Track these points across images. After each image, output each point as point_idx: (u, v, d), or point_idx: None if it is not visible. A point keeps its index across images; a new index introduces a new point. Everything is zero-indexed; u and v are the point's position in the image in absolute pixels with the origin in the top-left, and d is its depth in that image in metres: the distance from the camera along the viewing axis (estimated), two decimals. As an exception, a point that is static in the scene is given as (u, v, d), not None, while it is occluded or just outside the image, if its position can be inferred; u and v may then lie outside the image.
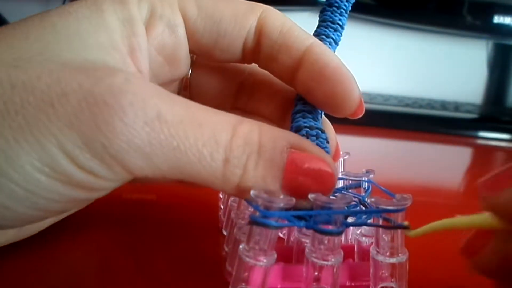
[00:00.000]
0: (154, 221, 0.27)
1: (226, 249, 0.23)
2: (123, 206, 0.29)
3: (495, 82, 0.70)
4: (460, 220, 0.17)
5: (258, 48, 0.23)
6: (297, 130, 0.21)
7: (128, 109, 0.16)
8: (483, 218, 0.17)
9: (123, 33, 0.20)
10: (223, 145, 0.17)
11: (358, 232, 0.22)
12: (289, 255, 0.21)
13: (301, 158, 0.18)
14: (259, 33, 0.22)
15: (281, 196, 0.17)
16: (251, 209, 0.23)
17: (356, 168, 0.24)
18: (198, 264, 0.23)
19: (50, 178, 0.16)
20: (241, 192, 0.18)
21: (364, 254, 0.22)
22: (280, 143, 0.18)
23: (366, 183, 0.23)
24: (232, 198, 0.25)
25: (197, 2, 0.22)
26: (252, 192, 0.17)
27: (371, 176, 0.23)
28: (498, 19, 0.62)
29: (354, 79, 0.21)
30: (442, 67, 0.61)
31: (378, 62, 0.48)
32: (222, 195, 0.30)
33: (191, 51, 0.24)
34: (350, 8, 0.23)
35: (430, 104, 0.61)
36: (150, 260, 0.23)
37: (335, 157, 0.24)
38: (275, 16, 0.22)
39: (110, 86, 0.16)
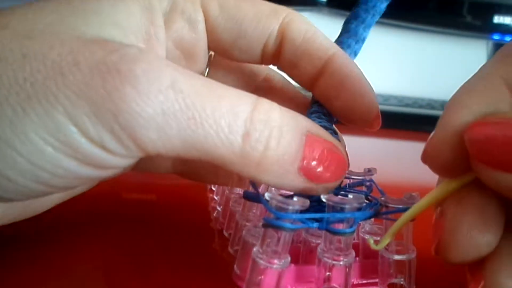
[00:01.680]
0: (154, 221, 0.27)
1: (231, 250, 0.23)
2: (123, 206, 0.29)
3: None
4: (415, 207, 0.17)
5: (279, 52, 0.23)
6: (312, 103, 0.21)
7: (141, 76, 0.15)
8: (432, 192, 0.17)
9: (142, 20, 0.19)
10: (243, 118, 0.16)
11: (363, 230, 0.22)
12: (295, 255, 0.21)
13: (319, 142, 0.18)
14: (282, 37, 0.22)
15: (295, 199, 0.17)
16: (254, 210, 0.23)
17: (355, 168, 0.24)
18: (200, 265, 0.22)
19: (56, 150, 0.15)
20: (260, 172, 0.17)
21: (369, 251, 0.22)
22: (300, 124, 0.17)
23: (368, 182, 0.23)
24: (233, 200, 0.25)
25: (219, 0, 0.22)
26: (266, 194, 0.17)
27: (373, 175, 0.23)
28: (498, 19, 0.62)
29: (374, 92, 0.22)
30: (442, 67, 0.61)
31: (378, 62, 0.48)
32: (217, 196, 0.30)
33: (210, 49, 0.23)
34: (374, 23, 0.23)
35: (430, 104, 0.60)
36: (150, 260, 0.23)
37: None
38: (299, 21, 0.22)
39: (124, 55, 0.16)
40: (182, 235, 0.26)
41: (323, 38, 0.23)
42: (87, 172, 0.16)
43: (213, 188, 0.31)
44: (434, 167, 0.17)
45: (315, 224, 0.17)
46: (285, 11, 0.23)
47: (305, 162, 0.17)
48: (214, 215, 0.28)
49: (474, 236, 0.15)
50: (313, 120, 0.21)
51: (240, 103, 0.16)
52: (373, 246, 0.18)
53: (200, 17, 0.22)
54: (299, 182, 0.17)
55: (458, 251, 0.16)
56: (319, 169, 0.17)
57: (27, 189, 0.16)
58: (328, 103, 0.23)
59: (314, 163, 0.17)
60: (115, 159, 0.16)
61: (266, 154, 0.16)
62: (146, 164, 0.24)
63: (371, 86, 0.22)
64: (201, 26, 0.22)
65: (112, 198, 0.30)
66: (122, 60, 0.15)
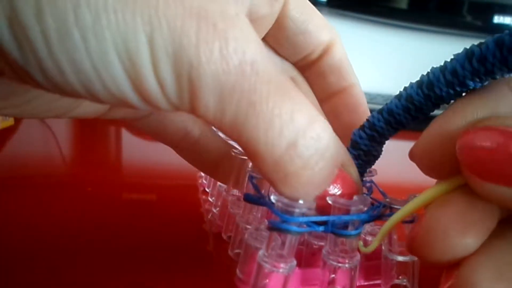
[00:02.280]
0: (154, 221, 0.27)
1: (231, 254, 0.22)
2: (123, 206, 0.29)
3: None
4: (404, 209, 0.17)
5: (314, 62, 0.25)
6: (353, 146, 0.20)
7: (231, 42, 0.15)
8: (423, 194, 0.17)
9: None
10: (297, 127, 0.16)
11: (364, 231, 0.22)
12: (298, 257, 0.21)
13: (346, 181, 0.17)
14: (326, 50, 0.24)
15: (301, 201, 0.17)
16: (255, 212, 0.22)
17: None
18: (200, 269, 0.22)
19: (121, 65, 0.14)
20: (284, 183, 0.16)
21: (371, 253, 0.22)
22: (339, 158, 0.17)
23: (368, 183, 0.23)
24: (231, 203, 0.24)
25: None
26: (272, 196, 0.17)
27: (374, 176, 0.23)
28: (498, 19, 0.63)
29: None
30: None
31: (378, 62, 0.48)
32: (212, 198, 0.29)
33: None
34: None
35: None
36: (151, 260, 0.22)
37: None
38: (340, 44, 0.25)
39: (224, 12, 0.15)
40: (179, 237, 0.25)
41: (351, 67, 0.25)
42: (132, 99, 0.15)
43: (207, 190, 0.31)
44: (421, 168, 0.16)
45: (321, 228, 0.17)
46: (334, 31, 0.25)
47: (324, 192, 0.17)
48: (209, 217, 0.28)
49: (451, 236, 0.15)
50: (362, 139, 0.20)
51: (302, 109, 0.16)
52: (362, 249, 0.18)
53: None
54: (306, 204, 0.17)
55: (432, 250, 0.15)
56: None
57: (70, 88, 0.15)
58: (334, 118, 0.25)
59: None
60: (163, 102, 0.15)
61: (299, 172, 0.16)
62: (160, 128, 0.25)
63: None
64: (278, 6, 0.23)
65: (112, 198, 0.30)
66: (221, 17, 0.15)
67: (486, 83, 0.16)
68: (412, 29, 0.60)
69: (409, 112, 0.18)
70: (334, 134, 0.17)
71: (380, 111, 0.19)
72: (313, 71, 0.25)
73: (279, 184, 0.16)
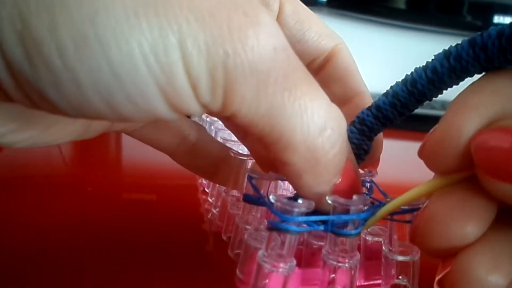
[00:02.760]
0: (154, 221, 0.27)
1: (231, 254, 0.22)
2: (123, 206, 0.29)
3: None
4: (405, 196, 0.17)
5: (318, 71, 0.24)
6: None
7: (265, 27, 0.14)
8: (425, 184, 0.17)
9: None
10: (324, 111, 0.16)
11: (365, 230, 0.22)
12: (297, 257, 0.20)
13: (352, 171, 0.18)
14: (328, 59, 0.24)
15: (300, 201, 0.17)
16: (254, 213, 0.22)
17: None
18: (200, 269, 0.22)
19: (149, 72, 0.13)
20: (314, 171, 0.16)
21: (371, 252, 0.22)
22: (348, 147, 0.18)
23: (369, 183, 0.23)
24: (230, 203, 0.24)
25: (294, 2, 0.23)
26: (271, 196, 0.17)
27: (374, 176, 0.23)
28: (498, 19, 0.63)
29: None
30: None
31: (378, 62, 0.48)
32: (212, 198, 0.29)
33: None
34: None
35: (430, 104, 0.62)
36: (151, 260, 0.22)
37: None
38: (347, 51, 0.24)
39: (251, 1, 0.15)
40: (178, 237, 0.25)
41: (359, 75, 0.24)
42: (160, 109, 0.15)
43: (207, 190, 0.31)
44: (431, 166, 0.16)
45: (321, 227, 0.17)
46: (340, 39, 0.24)
47: (339, 182, 0.17)
48: (209, 217, 0.28)
49: (450, 225, 0.15)
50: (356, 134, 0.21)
51: (323, 95, 0.16)
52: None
53: (276, 8, 0.23)
54: (325, 195, 0.17)
55: (432, 239, 0.16)
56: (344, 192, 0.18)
57: (88, 105, 0.14)
58: None
59: (342, 185, 0.17)
60: (193, 104, 0.15)
61: (327, 155, 0.16)
62: (155, 136, 0.24)
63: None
64: (273, 16, 0.22)
65: (112, 198, 0.30)
66: (250, 5, 0.15)
67: (461, 81, 0.18)
68: (412, 29, 0.60)
69: (395, 108, 0.20)
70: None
71: (369, 108, 0.21)
72: (317, 80, 0.25)
73: (308, 174, 0.16)
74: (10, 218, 0.25)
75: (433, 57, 0.18)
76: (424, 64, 0.19)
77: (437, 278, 0.16)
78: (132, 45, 0.13)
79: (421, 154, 0.17)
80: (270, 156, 0.17)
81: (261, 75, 0.14)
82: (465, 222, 0.15)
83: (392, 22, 0.58)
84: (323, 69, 0.24)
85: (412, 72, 0.19)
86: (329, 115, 0.16)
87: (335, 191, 0.17)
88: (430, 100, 0.19)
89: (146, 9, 0.13)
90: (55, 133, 0.19)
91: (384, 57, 0.59)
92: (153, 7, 0.13)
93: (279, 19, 0.23)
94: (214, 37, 0.14)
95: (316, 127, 0.16)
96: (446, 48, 0.18)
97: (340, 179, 0.17)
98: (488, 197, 0.15)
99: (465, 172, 0.16)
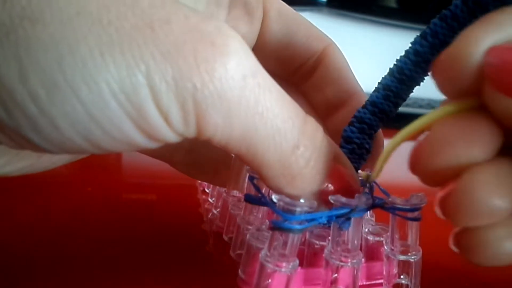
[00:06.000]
0: (154, 221, 0.27)
1: (232, 254, 0.22)
2: (123, 206, 0.29)
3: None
4: (411, 126, 0.17)
5: (310, 73, 0.24)
6: (346, 141, 0.21)
7: (233, 56, 0.15)
8: (430, 114, 0.16)
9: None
10: (297, 128, 0.16)
11: (366, 230, 0.22)
12: (299, 257, 0.20)
13: (343, 174, 0.18)
14: (320, 61, 0.24)
15: (302, 200, 0.16)
16: (256, 213, 0.22)
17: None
18: (202, 270, 0.22)
19: (121, 108, 0.14)
20: (291, 186, 0.17)
21: (373, 252, 0.22)
22: (332, 150, 0.18)
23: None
24: (231, 204, 0.24)
25: (280, 6, 0.23)
26: (273, 196, 0.17)
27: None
28: None
29: None
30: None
31: (378, 61, 0.48)
32: (212, 199, 0.29)
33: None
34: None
35: (430, 104, 0.60)
36: (150, 260, 0.22)
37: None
38: (338, 51, 0.24)
39: (219, 28, 0.15)
40: (178, 237, 0.25)
41: (352, 75, 0.24)
42: (138, 140, 0.15)
43: (207, 190, 0.31)
44: (443, 85, 0.16)
45: (324, 220, 0.17)
46: (329, 39, 0.24)
47: (325, 187, 0.17)
48: (209, 216, 0.28)
49: (458, 146, 0.15)
50: (353, 132, 0.21)
51: (297, 112, 0.16)
52: (364, 176, 0.18)
53: (260, 15, 0.22)
54: (308, 203, 0.17)
55: (437, 158, 0.15)
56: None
57: (69, 142, 0.14)
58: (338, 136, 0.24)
59: (331, 188, 0.17)
60: (168, 134, 0.15)
61: (303, 171, 0.16)
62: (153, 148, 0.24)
63: None
64: (257, 23, 0.22)
65: (112, 198, 0.30)
66: (217, 33, 0.15)
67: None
68: (412, 29, 0.59)
69: (389, 99, 0.20)
70: (323, 130, 0.17)
71: (364, 106, 0.21)
72: (310, 85, 0.24)
73: (287, 187, 0.17)
74: (10, 218, 0.25)
75: (409, 45, 0.19)
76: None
77: (438, 199, 0.15)
78: (101, 85, 0.13)
79: (434, 70, 0.16)
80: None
81: (232, 102, 0.15)
82: (472, 143, 0.15)
83: (392, 22, 0.58)
84: (315, 72, 0.24)
85: (395, 63, 0.20)
86: (302, 132, 0.16)
87: (323, 195, 0.17)
88: (419, 84, 0.20)
89: (111, 47, 0.13)
90: (50, 159, 0.20)
91: (384, 56, 0.59)
92: (118, 45, 0.13)
93: (264, 25, 0.23)
94: (181, 71, 0.14)
95: (289, 146, 0.16)
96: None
97: (328, 185, 0.17)
98: (496, 124, 0.15)
99: (475, 100, 0.15)
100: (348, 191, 0.18)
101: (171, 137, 0.15)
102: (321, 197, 0.17)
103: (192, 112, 0.14)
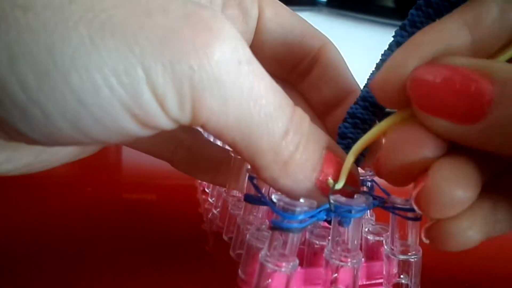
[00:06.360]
0: (154, 221, 0.27)
1: (232, 254, 0.22)
2: (123, 206, 0.29)
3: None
4: (365, 137, 0.18)
5: (307, 72, 0.24)
6: (341, 137, 0.21)
7: (230, 41, 0.15)
8: (379, 124, 0.18)
9: None
10: (287, 116, 0.16)
11: (366, 230, 0.22)
12: (299, 257, 0.20)
13: (336, 160, 0.18)
14: (316, 60, 0.24)
15: (302, 200, 0.17)
16: (255, 213, 0.22)
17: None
18: (201, 269, 0.22)
19: (113, 93, 0.14)
20: (284, 173, 0.17)
21: (372, 251, 0.22)
22: (322, 139, 0.18)
23: (370, 182, 0.23)
24: (231, 204, 0.24)
25: (275, 5, 0.23)
26: (273, 196, 0.17)
27: (375, 176, 0.23)
28: None
29: None
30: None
31: (377, 60, 0.49)
32: (212, 199, 0.29)
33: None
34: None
35: None
36: (150, 260, 0.22)
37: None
38: (333, 49, 0.24)
39: (215, 14, 0.15)
40: (178, 237, 0.25)
41: (349, 73, 0.24)
42: (130, 128, 0.15)
43: (207, 190, 0.31)
44: (379, 99, 0.17)
45: (322, 216, 0.17)
46: (325, 38, 0.24)
47: (321, 175, 0.17)
48: (209, 216, 0.28)
49: (408, 149, 0.16)
50: (347, 127, 0.22)
51: (287, 101, 0.17)
52: (332, 185, 0.18)
53: (255, 14, 0.22)
54: (313, 192, 0.17)
55: (394, 159, 0.16)
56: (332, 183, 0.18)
57: (59, 132, 0.14)
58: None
59: (329, 177, 0.17)
60: (163, 120, 0.15)
61: (294, 156, 0.17)
62: (152, 144, 0.24)
63: None
64: (253, 22, 0.22)
65: (112, 198, 0.30)
66: (214, 18, 0.15)
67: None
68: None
69: None
70: (310, 120, 0.18)
71: (355, 102, 0.22)
72: (307, 84, 0.24)
73: (279, 175, 0.17)
74: (10, 218, 0.25)
75: (391, 39, 0.20)
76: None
77: (413, 196, 0.16)
78: (92, 71, 0.13)
79: (371, 86, 0.18)
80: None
81: (228, 87, 0.15)
82: (418, 144, 0.16)
83: (391, 22, 0.58)
84: (312, 71, 0.24)
85: (380, 59, 0.21)
86: (291, 120, 0.17)
87: (320, 182, 0.17)
88: None
89: (102, 32, 0.13)
90: (48, 159, 0.19)
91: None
92: (110, 30, 0.13)
93: (260, 24, 0.23)
94: (178, 54, 0.14)
95: (280, 132, 0.16)
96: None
97: (321, 173, 0.17)
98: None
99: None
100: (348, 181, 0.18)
101: (165, 123, 0.15)
102: (320, 188, 0.17)
103: (189, 95, 0.14)
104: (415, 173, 0.16)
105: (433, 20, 0.17)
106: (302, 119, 0.17)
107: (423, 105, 0.16)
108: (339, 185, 0.17)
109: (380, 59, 0.20)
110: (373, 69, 0.21)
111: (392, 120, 0.17)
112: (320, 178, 0.17)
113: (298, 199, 0.17)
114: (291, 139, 0.17)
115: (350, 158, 0.18)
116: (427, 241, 0.17)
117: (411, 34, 0.18)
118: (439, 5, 0.18)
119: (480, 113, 0.14)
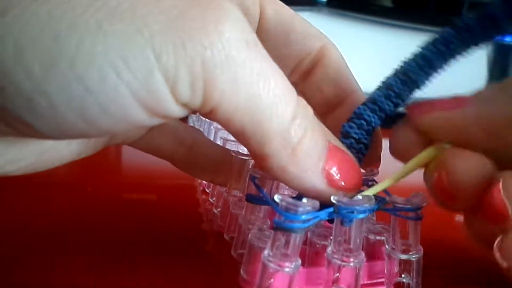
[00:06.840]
0: (154, 221, 0.27)
1: (234, 254, 0.22)
2: (123, 206, 0.29)
3: (495, 82, 0.71)
4: (407, 166, 0.19)
5: (308, 72, 0.24)
6: (344, 136, 0.21)
7: (240, 21, 0.15)
8: (420, 156, 0.19)
9: None
10: (294, 101, 0.16)
11: (367, 230, 0.22)
12: (301, 257, 0.20)
13: (340, 152, 0.18)
14: (317, 60, 0.24)
15: (304, 200, 0.17)
16: (257, 213, 0.22)
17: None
18: (203, 269, 0.22)
19: (120, 79, 0.13)
20: (291, 161, 0.17)
21: (373, 251, 0.22)
22: (325, 131, 0.18)
23: (370, 182, 0.23)
24: (232, 203, 0.24)
25: (276, 5, 0.23)
26: (276, 196, 0.17)
27: (376, 175, 0.23)
28: None
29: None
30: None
31: (378, 61, 0.48)
32: (212, 198, 0.29)
33: None
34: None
35: None
36: (150, 260, 0.22)
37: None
38: (335, 50, 0.24)
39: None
40: (178, 237, 0.25)
41: (350, 73, 0.24)
42: (137, 115, 0.14)
43: (207, 190, 0.31)
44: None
45: (325, 216, 0.17)
46: (326, 38, 0.24)
47: (327, 165, 0.17)
48: (209, 216, 0.28)
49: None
50: (351, 127, 0.22)
51: (291, 87, 0.17)
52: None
53: (257, 13, 0.22)
54: (320, 183, 0.17)
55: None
56: (338, 176, 0.18)
57: (65, 123, 0.14)
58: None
59: (334, 168, 0.17)
60: (171, 106, 0.15)
61: (302, 142, 0.17)
62: (153, 143, 0.24)
63: None
64: (254, 22, 0.22)
65: (112, 198, 0.30)
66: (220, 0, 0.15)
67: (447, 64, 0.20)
68: (412, 29, 0.60)
69: (390, 99, 0.21)
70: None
71: (364, 103, 0.22)
72: (307, 84, 0.24)
73: (287, 163, 0.17)
74: (10, 218, 0.25)
75: (419, 49, 0.21)
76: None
77: (495, 246, 0.17)
78: (98, 56, 0.13)
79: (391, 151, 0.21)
80: (252, 156, 0.17)
81: (238, 66, 0.15)
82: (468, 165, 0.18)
83: (391, 22, 0.58)
84: (312, 71, 0.24)
85: (401, 64, 0.21)
86: (298, 104, 0.17)
87: (328, 174, 0.17)
88: (420, 87, 0.21)
89: (110, 18, 0.13)
90: (51, 158, 0.19)
91: (385, 56, 0.59)
92: (118, 15, 0.13)
93: (261, 23, 0.23)
94: (189, 32, 0.14)
95: (289, 116, 0.16)
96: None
97: (326, 163, 0.17)
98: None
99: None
100: (351, 173, 0.18)
101: (175, 109, 0.15)
102: (327, 178, 0.17)
103: (201, 74, 0.14)
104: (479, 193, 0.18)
105: (467, 46, 0.19)
106: (307, 106, 0.17)
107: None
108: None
109: (401, 66, 0.21)
110: (391, 74, 0.21)
111: (432, 153, 0.19)
112: (326, 168, 0.17)
113: (304, 190, 0.17)
114: (299, 124, 0.16)
115: (386, 183, 0.19)
116: (504, 263, 0.18)
117: (440, 51, 0.19)
118: (477, 35, 0.18)
119: None
